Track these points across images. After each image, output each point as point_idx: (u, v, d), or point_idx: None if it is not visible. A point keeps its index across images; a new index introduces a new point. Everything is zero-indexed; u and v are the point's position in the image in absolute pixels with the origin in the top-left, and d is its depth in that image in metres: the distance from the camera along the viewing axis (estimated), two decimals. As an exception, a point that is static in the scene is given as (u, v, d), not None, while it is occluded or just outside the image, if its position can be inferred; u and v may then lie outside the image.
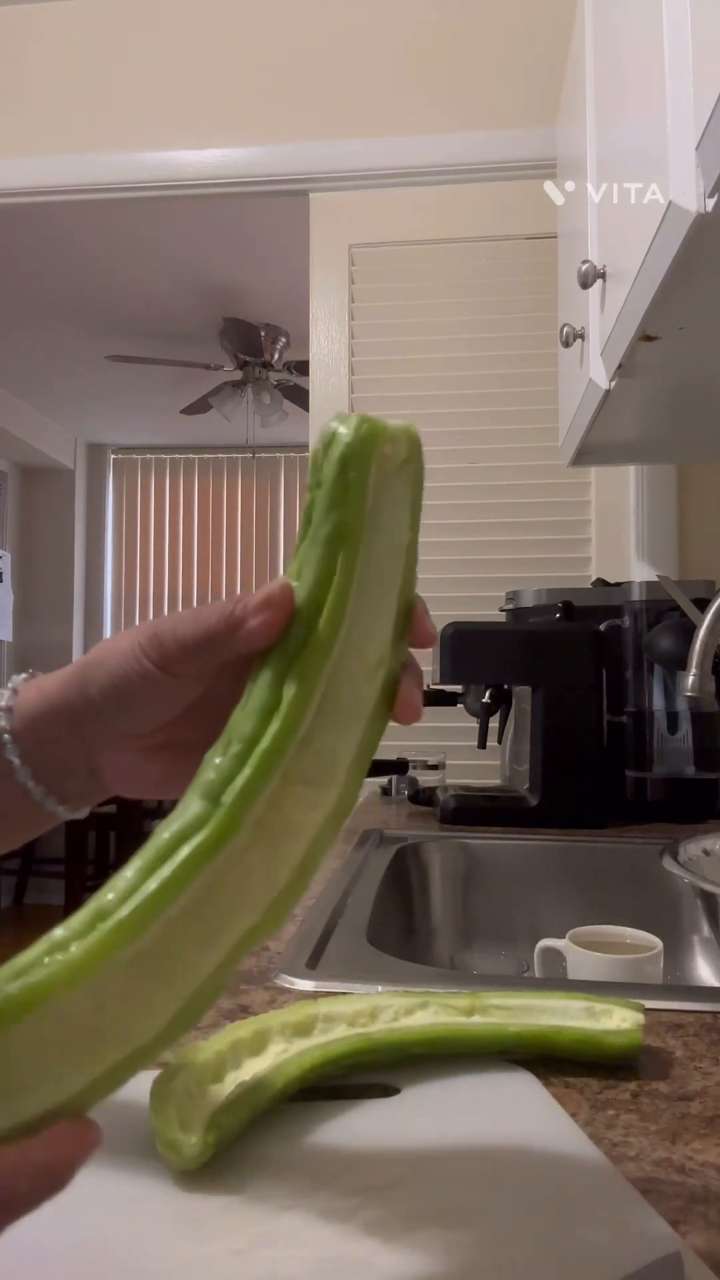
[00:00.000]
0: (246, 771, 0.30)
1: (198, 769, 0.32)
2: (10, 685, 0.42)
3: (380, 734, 0.34)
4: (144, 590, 5.56)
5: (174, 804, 0.31)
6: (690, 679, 0.87)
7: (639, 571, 1.80)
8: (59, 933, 0.27)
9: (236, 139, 1.99)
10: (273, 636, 0.34)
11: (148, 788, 0.42)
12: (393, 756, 1.60)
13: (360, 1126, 0.45)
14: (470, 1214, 0.38)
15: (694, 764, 1.32)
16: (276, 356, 3.86)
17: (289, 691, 0.31)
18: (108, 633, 5.51)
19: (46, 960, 0.26)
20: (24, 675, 0.43)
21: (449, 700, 1.52)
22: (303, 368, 3.46)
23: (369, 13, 1.97)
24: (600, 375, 1.08)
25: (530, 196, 1.84)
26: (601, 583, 1.53)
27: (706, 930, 1.01)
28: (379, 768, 1.60)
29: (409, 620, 0.38)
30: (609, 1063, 0.51)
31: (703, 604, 1.03)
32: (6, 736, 0.40)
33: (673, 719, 1.33)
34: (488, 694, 1.41)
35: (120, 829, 3.60)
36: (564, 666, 1.29)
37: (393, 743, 1.80)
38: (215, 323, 3.73)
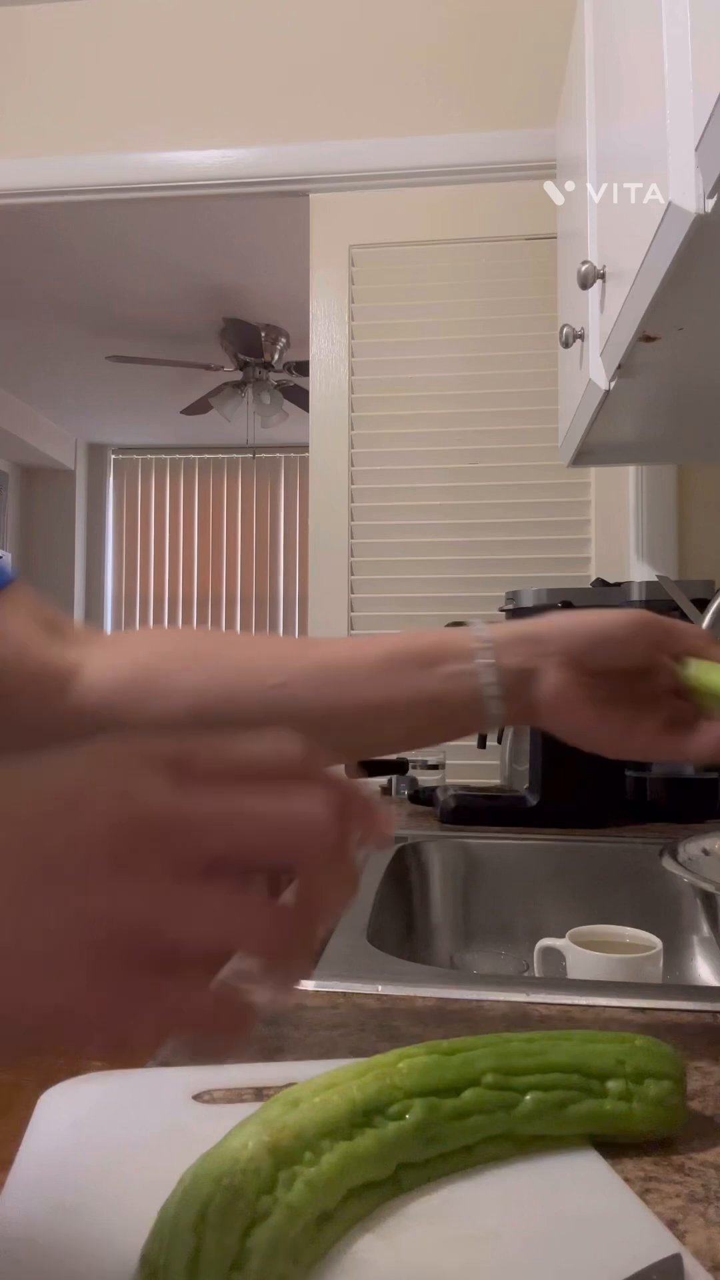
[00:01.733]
0: None
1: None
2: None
3: None
4: (144, 590, 5.56)
5: None
6: (690, 679, 0.87)
7: (639, 571, 1.80)
8: None
9: (237, 139, 1.99)
10: None
11: (572, 727, 0.55)
12: (393, 756, 1.60)
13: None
14: (466, 1216, 0.38)
15: (693, 764, 1.32)
16: (276, 357, 3.86)
17: None
18: (107, 633, 5.52)
19: None
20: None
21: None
22: (303, 368, 3.47)
23: (368, 14, 1.97)
24: (600, 375, 1.08)
25: (530, 197, 1.84)
26: (601, 583, 1.53)
27: (706, 930, 1.01)
28: (379, 767, 1.60)
29: None
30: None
31: (702, 604, 1.03)
32: (486, 642, 0.54)
33: (673, 719, 1.33)
34: (488, 694, 1.40)
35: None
36: (564, 666, 1.28)
37: (393, 743, 1.80)
38: (215, 323, 3.73)
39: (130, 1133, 0.44)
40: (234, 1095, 0.47)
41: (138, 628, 5.55)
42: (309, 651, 0.57)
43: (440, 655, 0.55)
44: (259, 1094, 0.47)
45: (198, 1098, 0.47)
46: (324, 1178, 0.36)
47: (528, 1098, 0.43)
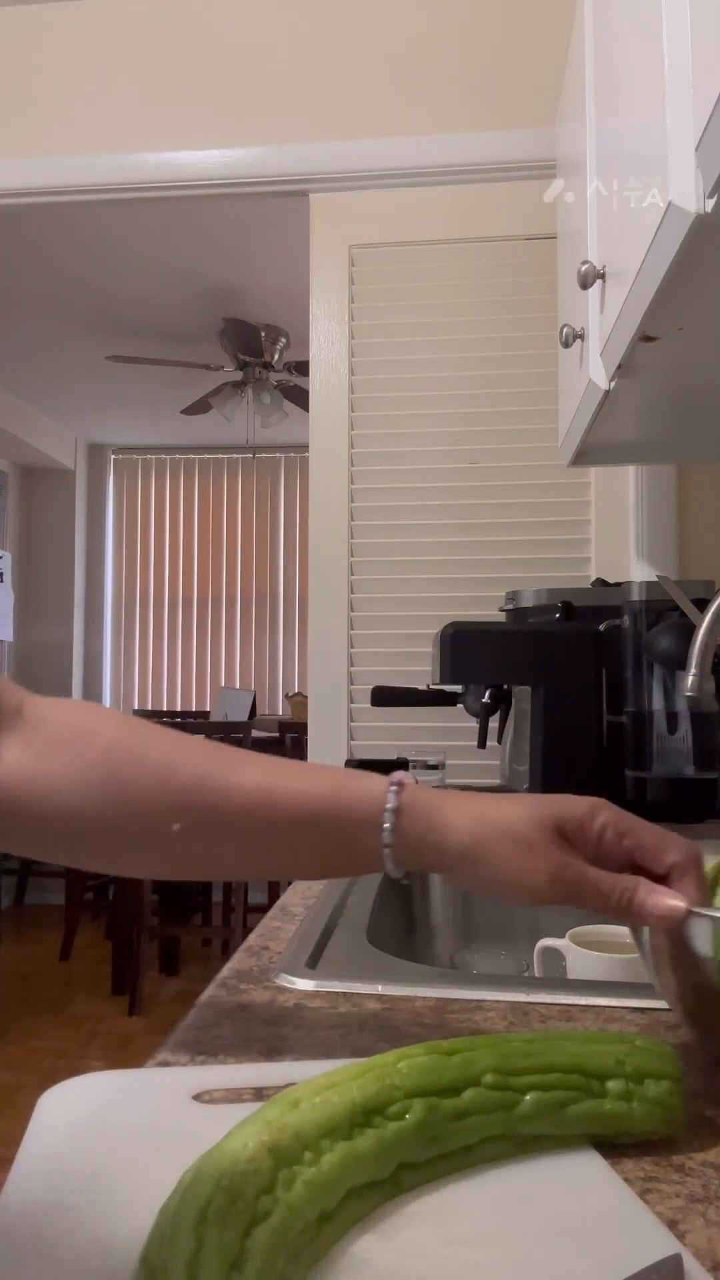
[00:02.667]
0: None
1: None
2: (394, 784, 0.55)
3: None
4: (144, 590, 5.56)
5: None
6: (690, 679, 0.87)
7: (638, 571, 1.80)
8: None
9: (237, 139, 1.99)
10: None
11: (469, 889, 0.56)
12: (393, 756, 1.60)
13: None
14: (466, 1216, 0.38)
15: (693, 764, 1.32)
16: (277, 357, 3.86)
17: None
18: (108, 633, 5.52)
19: None
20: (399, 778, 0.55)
21: (449, 700, 1.52)
22: (303, 368, 3.46)
23: (369, 14, 1.97)
24: (600, 376, 1.08)
25: (530, 197, 1.84)
26: (601, 583, 1.53)
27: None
28: (379, 767, 1.59)
29: None
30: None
31: (702, 604, 1.02)
32: (389, 824, 0.53)
33: (672, 719, 1.33)
34: (488, 694, 1.41)
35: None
36: (564, 666, 1.29)
37: (393, 742, 1.80)
38: (216, 323, 3.73)
39: (130, 1133, 0.44)
40: (234, 1095, 0.48)
41: (126, 632, 5.55)
42: (218, 790, 0.55)
43: (347, 822, 0.55)
44: (259, 1094, 0.47)
45: (198, 1098, 0.47)
46: (324, 1178, 0.36)
47: (528, 1098, 0.43)
